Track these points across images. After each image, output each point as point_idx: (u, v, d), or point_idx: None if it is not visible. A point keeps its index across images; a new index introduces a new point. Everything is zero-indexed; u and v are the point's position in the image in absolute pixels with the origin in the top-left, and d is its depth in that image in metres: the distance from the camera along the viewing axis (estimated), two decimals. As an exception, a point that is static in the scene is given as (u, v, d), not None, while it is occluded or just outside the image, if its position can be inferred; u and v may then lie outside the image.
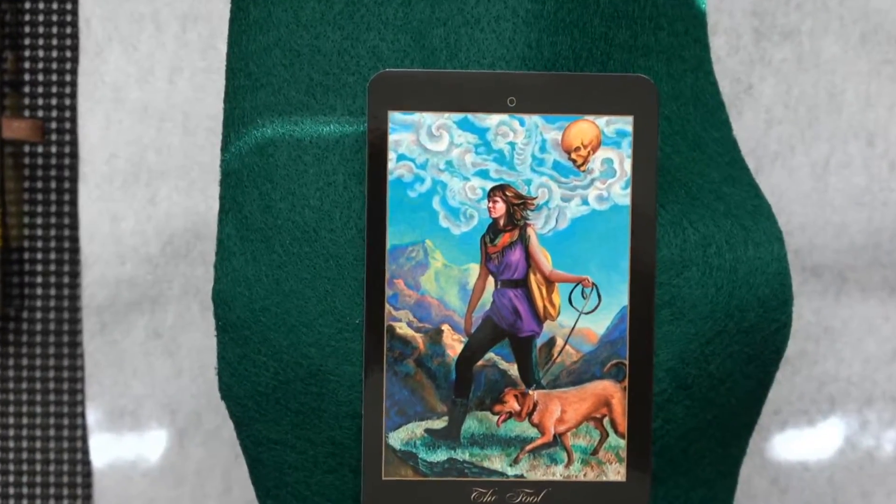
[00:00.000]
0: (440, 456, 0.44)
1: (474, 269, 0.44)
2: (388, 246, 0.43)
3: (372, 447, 0.44)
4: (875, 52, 0.62)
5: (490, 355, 0.44)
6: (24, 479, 0.65)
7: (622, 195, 0.44)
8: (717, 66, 0.59)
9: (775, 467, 0.64)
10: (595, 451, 0.44)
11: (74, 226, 0.64)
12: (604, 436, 0.44)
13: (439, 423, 0.44)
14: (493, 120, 0.43)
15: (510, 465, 0.44)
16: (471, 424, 0.44)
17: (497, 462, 0.44)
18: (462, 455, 0.44)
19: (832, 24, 0.61)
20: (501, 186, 0.44)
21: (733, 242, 0.45)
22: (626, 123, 0.44)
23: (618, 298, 0.44)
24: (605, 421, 0.44)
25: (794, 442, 0.64)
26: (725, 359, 0.45)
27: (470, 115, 0.43)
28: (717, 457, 0.46)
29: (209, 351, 0.64)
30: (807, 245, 0.62)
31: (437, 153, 0.43)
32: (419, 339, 0.44)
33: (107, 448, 0.64)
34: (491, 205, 0.44)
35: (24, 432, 0.65)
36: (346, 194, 0.44)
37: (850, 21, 0.61)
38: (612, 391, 0.44)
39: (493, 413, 0.44)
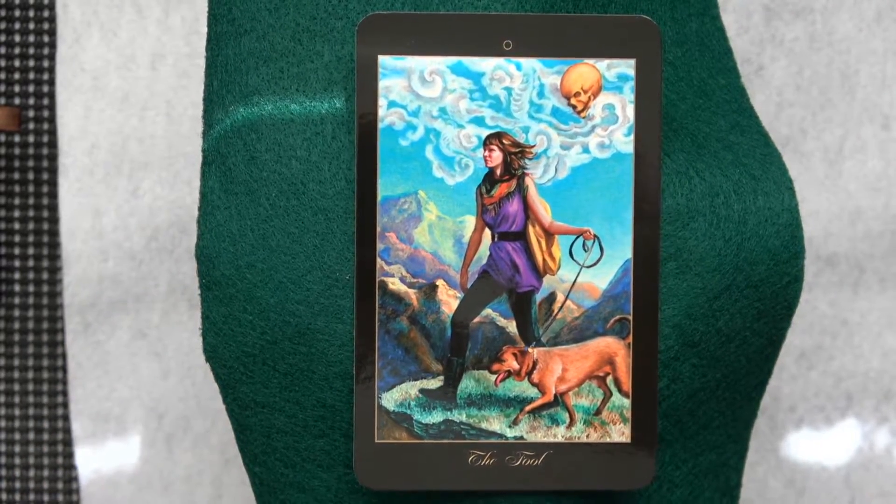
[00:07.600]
0: (436, 417, 0.42)
1: (470, 221, 0.42)
2: (378, 197, 0.41)
3: (364, 409, 0.41)
4: (891, 31, 0.60)
5: (487, 312, 0.42)
6: (3, 484, 0.62)
7: (625, 142, 0.42)
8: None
9: (791, 467, 0.62)
10: (598, 412, 0.42)
11: (54, 220, 0.62)
12: (607, 395, 0.42)
13: (434, 383, 0.42)
14: (488, 64, 0.41)
15: (509, 427, 0.42)
16: (467, 384, 0.42)
17: (495, 423, 0.42)
18: (458, 416, 0.42)
19: (846, 1, 0.60)
20: (498, 134, 0.42)
21: (742, 192, 0.43)
22: (628, 67, 0.42)
23: (621, 251, 0.42)
24: (609, 380, 0.42)
25: (810, 440, 0.62)
26: (734, 314, 0.43)
27: (464, 60, 0.41)
28: (726, 419, 0.44)
29: (197, 351, 0.62)
30: (821, 233, 0.60)
31: (430, 99, 0.41)
32: (412, 295, 0.42)
33: (92, 454, 0.62)
34: (487, 153, 0.42)
35: (3, 436, 0.62)
36: (335, 144, 0.42)
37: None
38: (616, 348, 0.42)
39: (491, 372, 0.42)
